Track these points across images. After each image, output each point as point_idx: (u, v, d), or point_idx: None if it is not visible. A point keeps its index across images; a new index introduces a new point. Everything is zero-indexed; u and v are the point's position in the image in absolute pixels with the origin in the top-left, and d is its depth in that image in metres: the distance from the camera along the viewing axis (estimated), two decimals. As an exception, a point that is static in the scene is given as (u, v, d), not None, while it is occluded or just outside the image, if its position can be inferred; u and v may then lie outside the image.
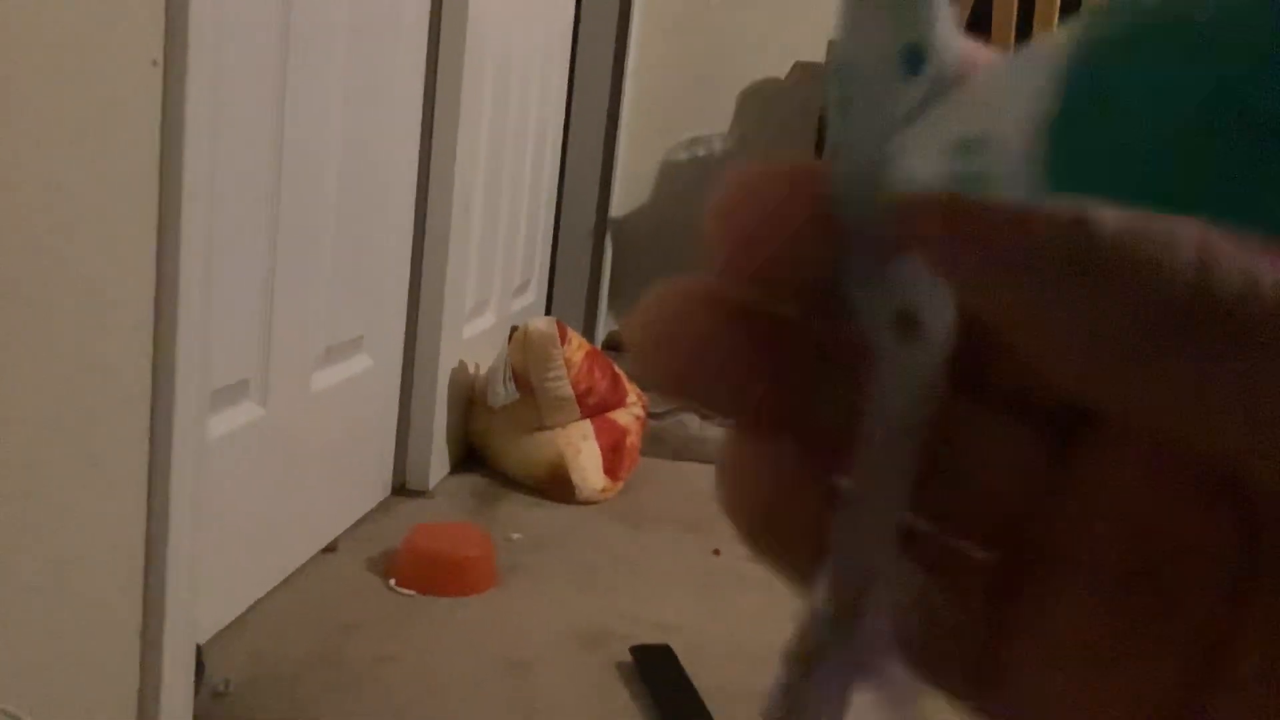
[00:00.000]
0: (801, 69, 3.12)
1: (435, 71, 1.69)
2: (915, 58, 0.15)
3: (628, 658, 1.31)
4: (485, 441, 1.94)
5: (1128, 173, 0.11)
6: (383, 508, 1.71)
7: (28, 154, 0.80)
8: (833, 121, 0.16)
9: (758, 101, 3.16)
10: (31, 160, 0.80)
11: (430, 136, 1.71)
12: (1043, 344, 0.13)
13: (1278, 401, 0.11)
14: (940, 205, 0.13)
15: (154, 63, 0.92)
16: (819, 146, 2.95)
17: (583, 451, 1.87)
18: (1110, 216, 0.12)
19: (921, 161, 0.14)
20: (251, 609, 1.31)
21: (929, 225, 0.13)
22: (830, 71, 0.16)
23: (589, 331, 3.02)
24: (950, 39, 0.15)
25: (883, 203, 0.14)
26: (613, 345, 3.10)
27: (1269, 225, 0.11)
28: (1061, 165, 0.12)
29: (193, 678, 1.06)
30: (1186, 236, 0.12)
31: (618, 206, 3.13)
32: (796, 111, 3.12)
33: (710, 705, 1.22)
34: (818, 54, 3.05)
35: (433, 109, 1.70)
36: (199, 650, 1.08)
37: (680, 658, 1.31)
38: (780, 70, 3.14)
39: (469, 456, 1.96)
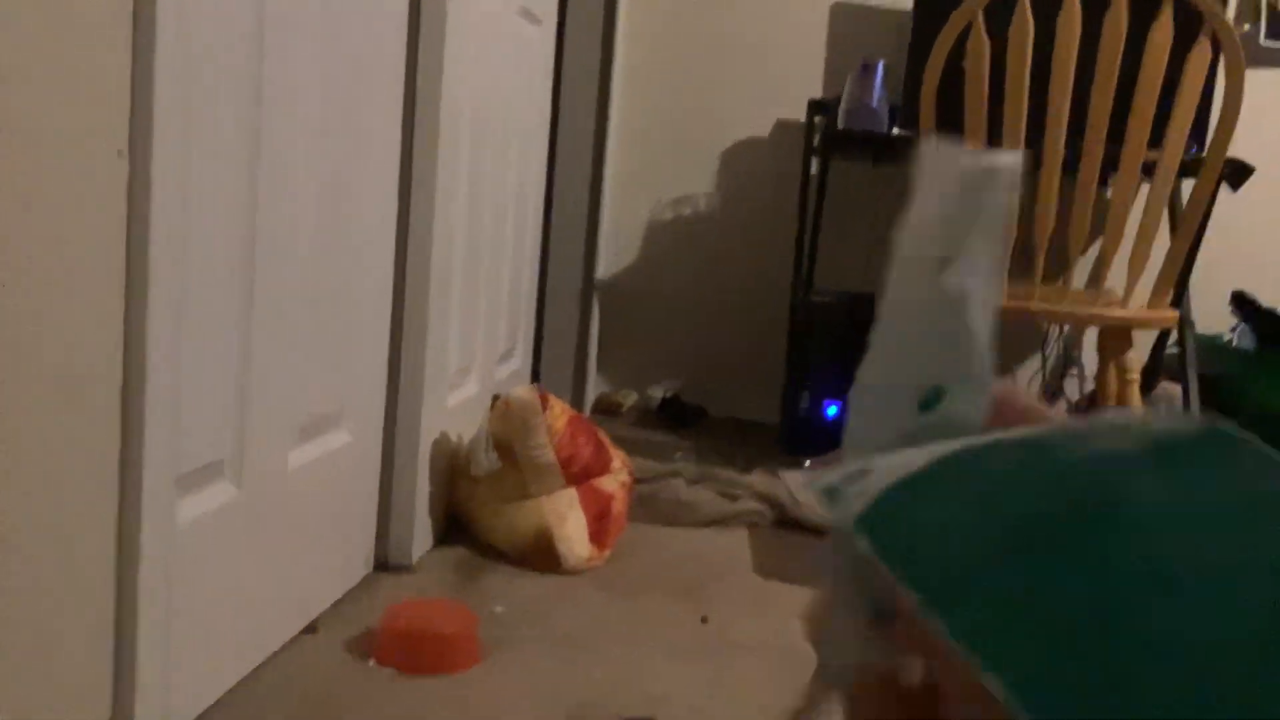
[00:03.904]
0: (783, 128, 3.16)
1: (410, 140, 1.70)
2: (929, 399, 0.17)
3: (612, 734, 1.29)
4: (469, 512, 1.92)
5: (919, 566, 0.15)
6: (364, 584, 1.69)
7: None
8: (852, 404, 0.19)
9: (741, 160, 3.19)
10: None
11: (407, 206, 1.71)
12: None
13: None
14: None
15: (120, 153, 0.93)
16: (801, 206, 2.97)
17: (568, 520, 1.86)
18: None
19: (838, 474, 0.17)
20: (229, 694, 1.29)
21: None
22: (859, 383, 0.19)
23: (578, 395, 3.01)
24: (976, 392, 0.17)
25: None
26: (603, 409, 3.09)
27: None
28: (873, 528, 0.16)
29: (163, 771, 1.04)
30: None
31: (604, 268, 3.14)
32: (779, 170, 3.15)
33: (696, 782, 1.19)
34: (798, 113, 3.09)
35: (409, 177, 1.71)
36: (169, 742, 1.06)
37: (665, 733, 1.29)
38: (763, 130, 3.17)
39: (453, 528, 1.95)
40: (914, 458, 0.16)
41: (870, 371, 0.18)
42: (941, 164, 0.18)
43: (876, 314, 0.18)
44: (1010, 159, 0.17)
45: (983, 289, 0.17)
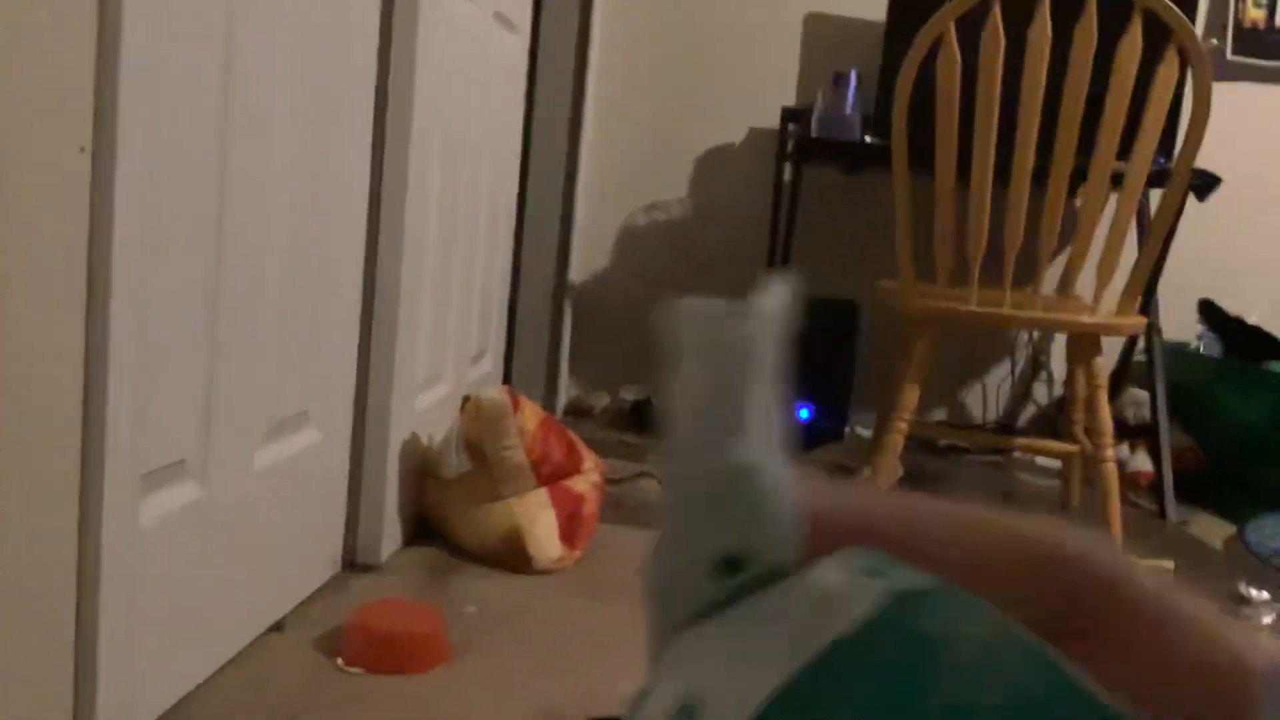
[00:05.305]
0: (756, 135, 3.17)
1: (382, 143, 1.70)
2: (731, 563, 0.17)
3: (579, 735, 1.29)
4: (439, 513, 1.92)
5: None
6: (332, 584, 1.68)
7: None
8: (648, 599, 0.17)
9: (714, 167, 3.20)
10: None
11: (378, 207, 1.71)
12: None
13: None
14: None
15: (82, 150, 0.92)
16: (774, 212, 2.99)
17: (539, 520, 1.86)
18: None
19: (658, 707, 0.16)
20: (193, 693, 1.28)
21: None
22: (650, 558, 0.17)
23: (550, 398, 3.01)
24: (780, 545, 0.16)
25: None
26: (575, 411, 3.09)
27: None
28: None
29: (123, 770, 1.03)
30: None
31: (576, 272, 3.15)
32: (752, 177, 3.16)
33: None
34: (772, 121, 3.10)
35: (380, 180, 1.71)
36: (131, 741, 1.05)
37: (632, 734, 1.29)
38: (736, 137, 3.18)
39: (423, 529, 1.94)
40: (740, 701, 0.15)
41: (663, 547, 0.17)
42: (697, 328, 0.17)
43: (662, 489, 0.17)
44: (761, 308, 0.16)
45: (772, 455, 0.16)
